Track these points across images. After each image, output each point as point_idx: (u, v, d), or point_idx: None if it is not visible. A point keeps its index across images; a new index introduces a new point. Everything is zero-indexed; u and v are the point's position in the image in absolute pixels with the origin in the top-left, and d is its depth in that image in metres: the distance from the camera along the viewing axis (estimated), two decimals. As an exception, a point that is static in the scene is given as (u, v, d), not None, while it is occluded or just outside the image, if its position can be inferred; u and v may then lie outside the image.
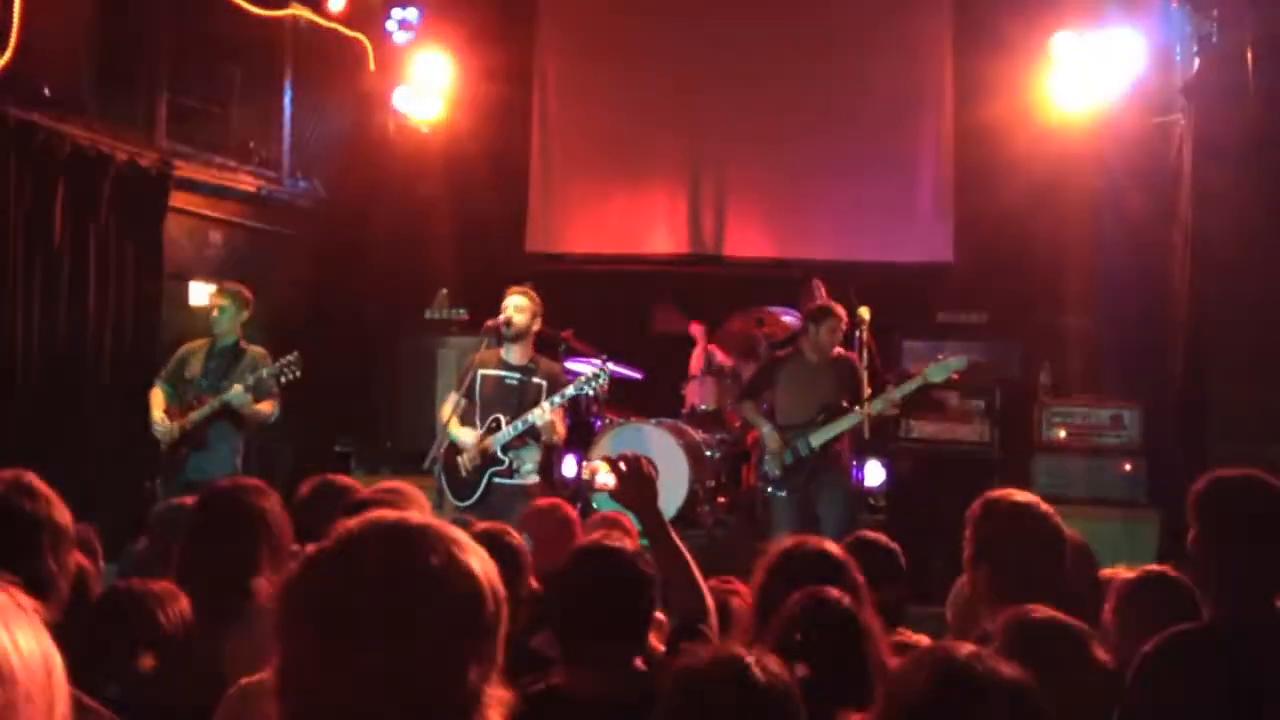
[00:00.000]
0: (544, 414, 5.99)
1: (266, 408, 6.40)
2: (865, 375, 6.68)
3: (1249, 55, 6.04)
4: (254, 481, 3.14)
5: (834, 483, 6.71)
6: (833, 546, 3.12)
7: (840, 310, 6.70)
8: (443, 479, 6.21)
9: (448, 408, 6.25)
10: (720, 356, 8.69)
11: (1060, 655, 2.38)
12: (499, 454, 6.08)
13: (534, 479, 6.19)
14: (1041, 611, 2.50)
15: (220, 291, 6.58)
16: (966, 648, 1.86)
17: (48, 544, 2.31)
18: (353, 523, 1.44)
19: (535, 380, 6.15)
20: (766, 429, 6.76)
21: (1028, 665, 1.86)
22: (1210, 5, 6.53)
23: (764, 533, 6.46)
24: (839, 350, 6.74)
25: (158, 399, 6.42)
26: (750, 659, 2.17)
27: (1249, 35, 6.05)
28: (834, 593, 2.68)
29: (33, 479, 2.39)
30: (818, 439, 6.60)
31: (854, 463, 6.91)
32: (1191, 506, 2.85)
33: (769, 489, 6.79)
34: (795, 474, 6.65)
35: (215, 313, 6.47)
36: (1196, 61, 6.84)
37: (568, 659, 2.67)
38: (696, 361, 8.78)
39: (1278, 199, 5.86)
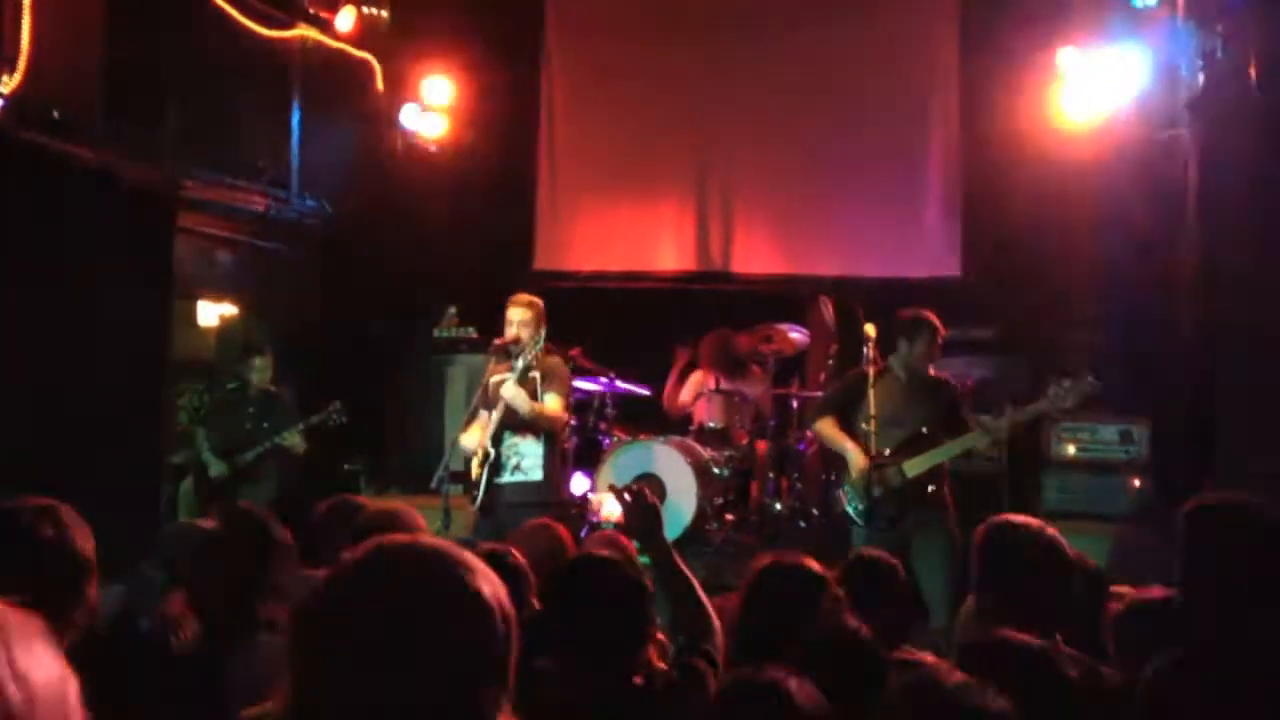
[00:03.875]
0: (509, 391, 5.94)
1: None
2: (965, 403, 6.06)
3: (1253, 70, 6.04)
4: (257, 507, 3.15)
5: (934, 526, 5.71)
6: (812, 563, 3.12)
7: (936, 321, 5.96)
8: (460, 488, 6.25)
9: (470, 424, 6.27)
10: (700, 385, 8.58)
11: (1020, 676, 2.35)
12: (490, 449, 6.07)
13: (538, 476, 6.12)
14: (1002, 634, 2.49)
15: (266, 355, 7.71)
16: (955, 676, 1.86)
17: (68, 575, 2.35)
18: (363, 548, 1.45)
19: (531, 375, 6.13)
20: (852, 452, 5.82)
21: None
22: (1214, 20, 6.53)
23: (823, 555, 6.00)
24: (934, 371, 6.02)
25: (202, 438, 7.66)
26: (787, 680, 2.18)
27: (1253, 50, 6.05)
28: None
29: (61, 509, 2.44)
30: (912, 468, 5.73)
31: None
32: (1180, 532, 2.84)
33: (851, 521, 5.89)
34: (884, 507, 5.73)
35: (256, 373, 7.66)
36: (1201, 76, 6.84)
37: (565, 669, 2.67)
38: (690, 388, 8.66)
39: (1285, 213, 5.86)
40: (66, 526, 2.42)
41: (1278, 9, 5.79)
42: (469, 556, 1.45)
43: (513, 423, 6.06)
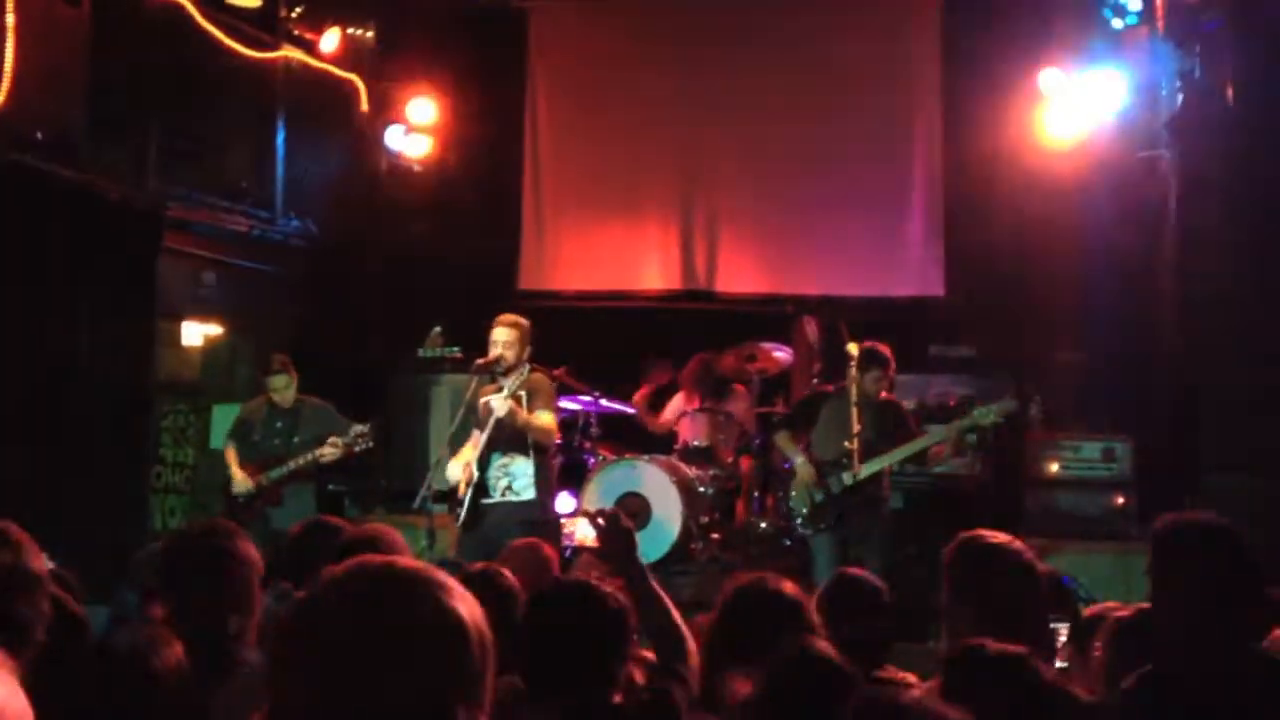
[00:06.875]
0: (499, 406, 5.93)
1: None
2: (909, 418, 6.74)
3: (1229, 91, 6.10)
4: (224, 523, 3.13)
5: (870, 526, 6.59)
6: (789, 586, 3.13)
7: (889, 357, 6.61)
8: (444, 507, 6.26)
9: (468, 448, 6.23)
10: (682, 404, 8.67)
11: (1006, 687, 2.37)
12: (475, 472, 6.07)
13: (530, 494, 6.13)
14: (990, 646, 2.50)
15: (282, 374, 7.18)
16: (911, 695, 1.87)
17: (20, 591, 2.34)
18: (340, 569, 1.45)
19: (518, 392, 6.12)
20: (800, 460, 6.66)
21: (973, 699, 1.87)
22: (1192, 42, 6.60)
23: (805, 571, 6.37)
24: (884, 394, 6.68)
25: (232, 457, 7.14)
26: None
27: (1229, 71, 6.12)
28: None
29: (8, 527, 2.42)
30: (851, 477, 6.48)
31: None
32: (1150, 549, 2.84)
33: (800, 527, 6.72)
34: (824, 512, 6.56)
35: (277, 394, 7.18)
36: (1180, 96, 6.91)
37: (534, 696, 2.67)
38: (671, 410, 8.74)
39: (1261, 231, 5.91)
40: (13, 543, 2.40)
41: (1251, 31, 5.86)
42: (446, 578, 1.45)
43: (502, 443, 6.06)
